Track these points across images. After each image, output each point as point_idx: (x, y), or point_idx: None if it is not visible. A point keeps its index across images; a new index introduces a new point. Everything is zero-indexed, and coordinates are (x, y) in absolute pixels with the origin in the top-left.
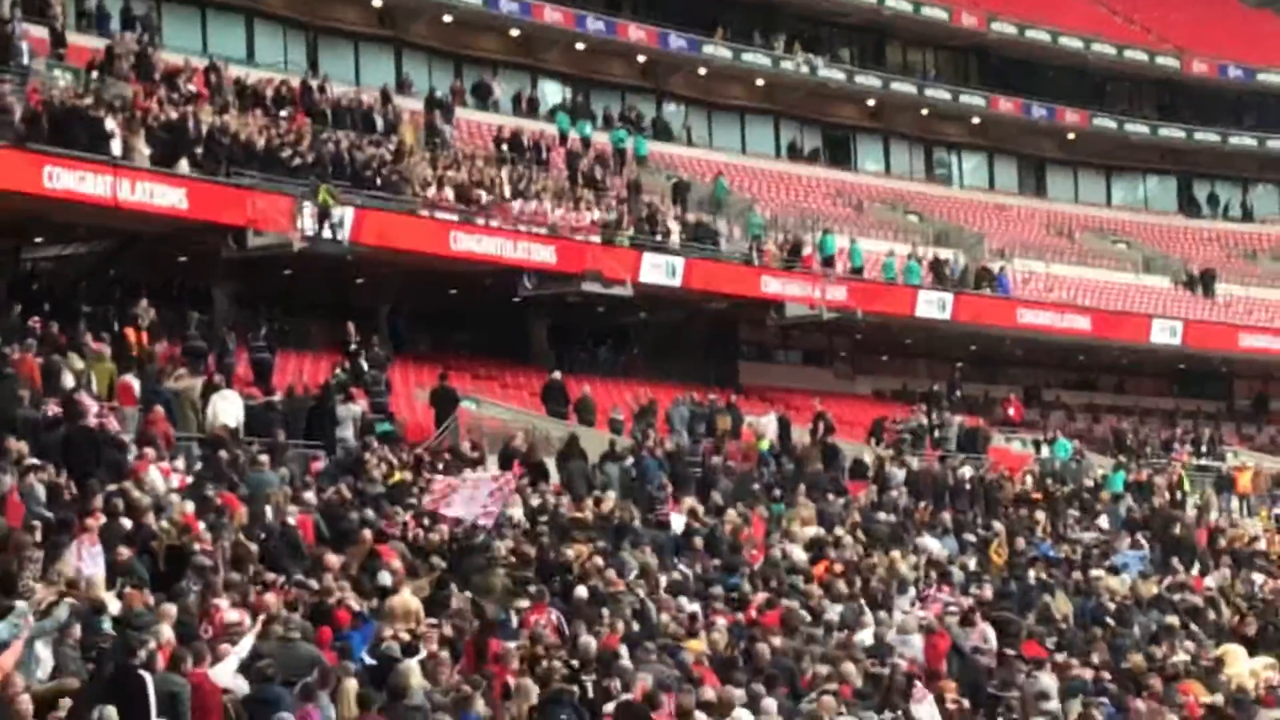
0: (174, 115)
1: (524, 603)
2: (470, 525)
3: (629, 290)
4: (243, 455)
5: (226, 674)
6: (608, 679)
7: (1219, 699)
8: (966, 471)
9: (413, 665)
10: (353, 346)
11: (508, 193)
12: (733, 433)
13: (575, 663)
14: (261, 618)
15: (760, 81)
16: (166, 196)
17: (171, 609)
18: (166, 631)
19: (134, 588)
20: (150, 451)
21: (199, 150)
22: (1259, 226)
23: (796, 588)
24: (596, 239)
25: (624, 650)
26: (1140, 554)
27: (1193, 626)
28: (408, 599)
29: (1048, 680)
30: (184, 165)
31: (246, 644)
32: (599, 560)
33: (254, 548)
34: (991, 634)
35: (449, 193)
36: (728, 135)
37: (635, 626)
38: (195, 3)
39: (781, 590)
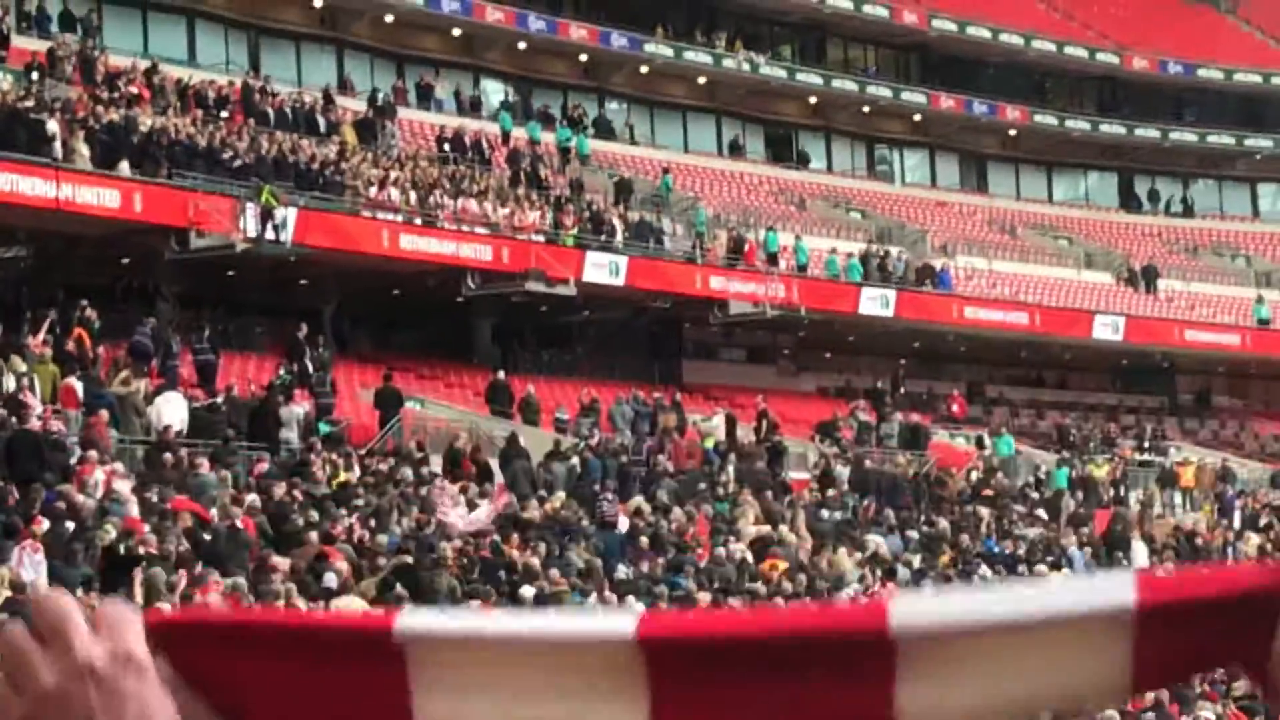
0: (115, 117)
1: (474, 604)
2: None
3: (572, 289)
4: (186, 458)
5: None
6: None
7: (1163, 694)
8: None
9: None
10: (301, 342)
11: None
12: (677, 431)
13: None
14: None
15: (702, 79)
16: (108, 198)
17: None
18: None
19: (79, 591)
20: (94, 454)
21: (141, 152)
22: (1200, 222)
23: (743, 586)
24: (540, 238)
25: None
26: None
27: None
28: (354, 601)
29: None
30: (125, 167)
31: None
32: (543, 560)
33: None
34: None
35: (392, 193)
36: (670, 133)
37: None
38: (136, 4)
39: (727, 588)
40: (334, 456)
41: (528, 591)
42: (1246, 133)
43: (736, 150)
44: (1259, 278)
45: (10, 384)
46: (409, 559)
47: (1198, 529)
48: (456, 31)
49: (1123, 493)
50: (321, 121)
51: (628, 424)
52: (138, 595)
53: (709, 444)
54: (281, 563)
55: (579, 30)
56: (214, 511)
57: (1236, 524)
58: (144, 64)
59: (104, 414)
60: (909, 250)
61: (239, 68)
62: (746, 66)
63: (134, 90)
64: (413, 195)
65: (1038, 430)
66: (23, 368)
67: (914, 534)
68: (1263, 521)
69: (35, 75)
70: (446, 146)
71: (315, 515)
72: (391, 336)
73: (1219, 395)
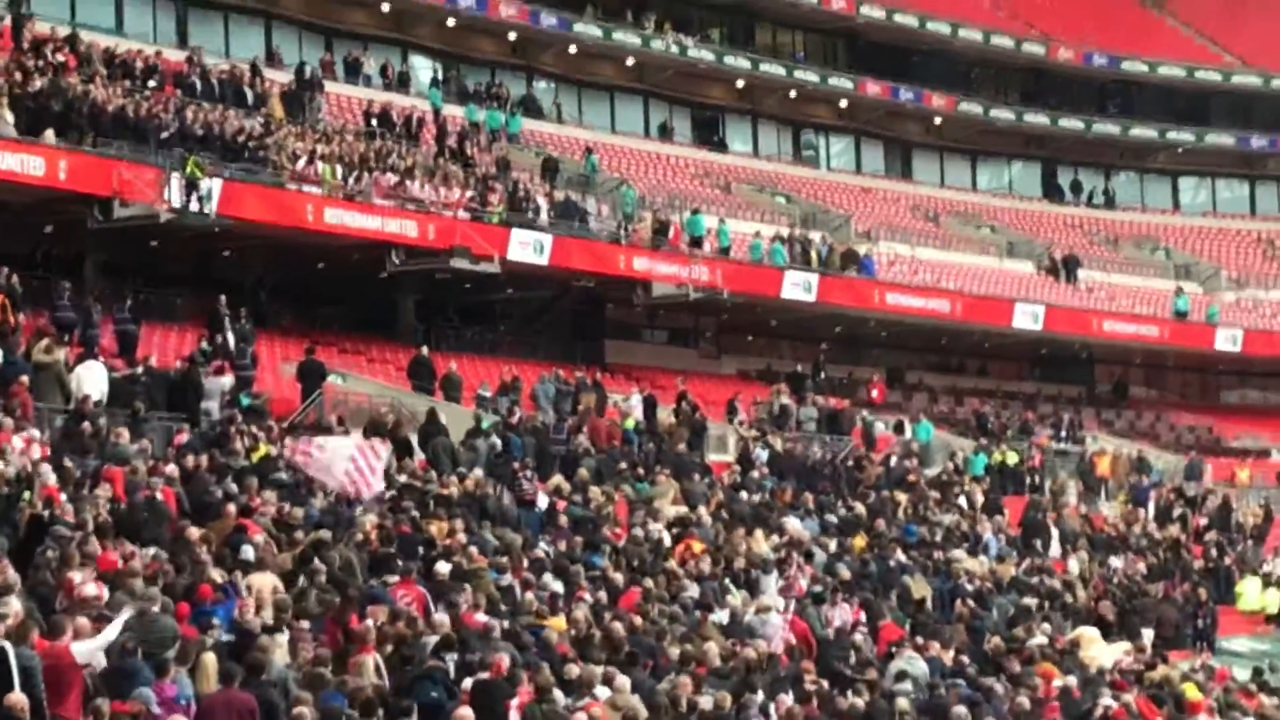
0: (41, 85)
1: (392, 578)
2: (349, 496)
3: (497, 267)
4: (105, 427)
5: (87, 651)
6: (468, 655)
7: (1071, 681)
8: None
9: (273, 641)
10: (222, 314)
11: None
12: (597, 410)
13: (435, 639)
14: (129, 607)
15: (630, 60)
16: (32, 166)
17: (18, 580)
18: (15, 603)
19: None
20: (9, 422)
21: (66, 120)
22: (1121, 213)
23: (658, 567)
24: (465, 215)
25: (484, 627)
26: (998, 536)
27: (1050, 609)
28: (269, 583)
29: (906, 662)
30: (50, 135)
31: (114, 629)
32: (461, 537)
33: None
34: (851, 615)
35: (318, 166)
36: (597, 113)
37: (499, 604)
38: None
39: (644, 569)
40: (254, 429)
41: (443, 567)
42: (1169, 126)
43: (663, 132)
44: (1178, 270)
45: None
46: (326, 534)
47: (1111, 518)
48: (386, 7)
49: (1039, 481)
50: (249, 93)
51: (549, 403)
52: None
53: (629, 424)
54: (196, 534)
55: (508, 8)
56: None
57: (1150, 514)
58: (70, 31)
59: (24, 380)
60: (833, 235)
61: (167, 38)
62: (675, 49)
63: (60, 58)
64: (339, 169)
65: (956, 417)
66: None
67: (831, 518)
68: (1176, 512)
69: None
70: (374, 122)
71: (234, 488)
72: (315, 311)
73: (1136, 386)
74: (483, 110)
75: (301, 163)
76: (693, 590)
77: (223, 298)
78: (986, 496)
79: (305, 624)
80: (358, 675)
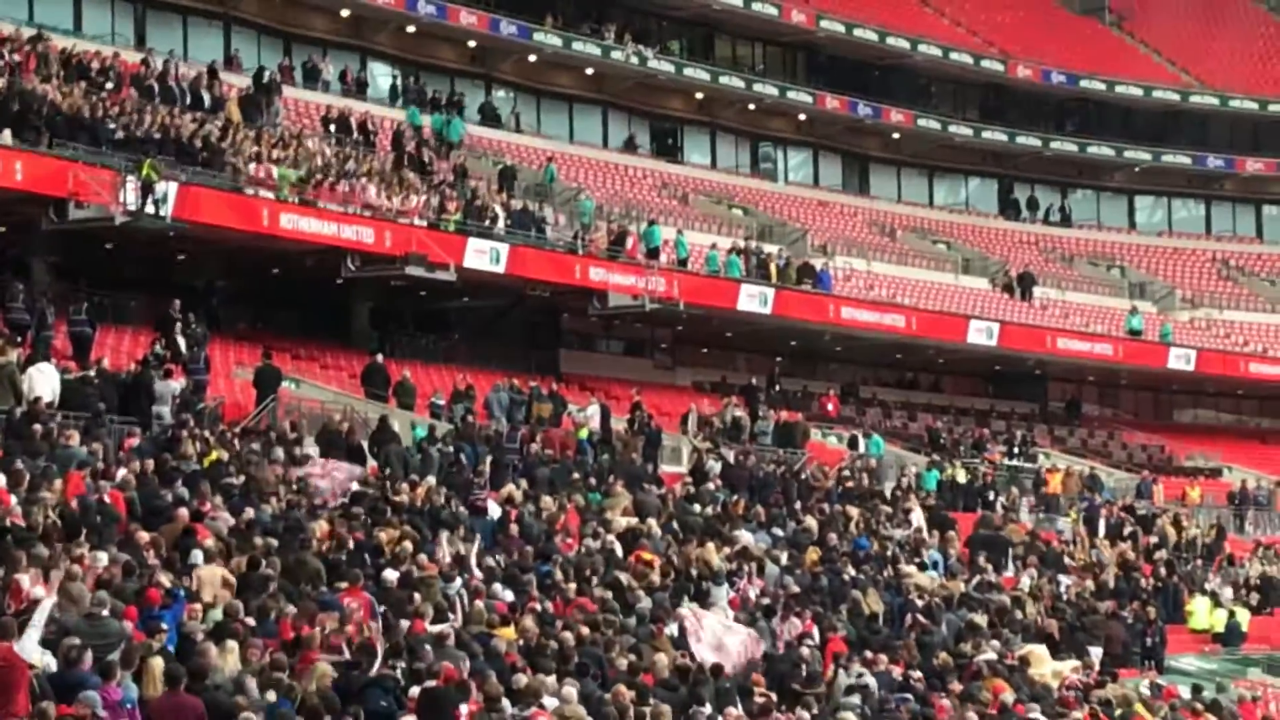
0: None
1: (342, 584)
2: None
3: (452, 275)
4: (56, 429)
5: (30, 648)
6: (416, 663)
7: (1012, 697)
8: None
9: (219, 646)
10: (173, 317)
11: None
12: (552, 420)
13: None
14: (53, 589)
15: (589, 71)
16: None
17: None
18: None
19: None
20: None
21: (21, 120)
22: (1077, 231)
23: (609, 577)
24: (421, 222)
25: (432, 635)
26: (947, 552)
27: (999, 625)
28: (218, 576)
29: (855, 676)
30: (7, 136)
31: (42, 615)
32: (410, 545)
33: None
34: (800, 628)
35: (273, 170)
36: (556, 123)
37: (447, 613)
38: None
39: (594, 579)
40: (205, 433)
41: (391, 575)
42: (1126, 145)
43: (622, 143)
44: (1133, 289)
45: None
46: (275, 540)
47: (1060, 535)
48: (345, 12)
49: (990, 497)
50: (206, 97)
51: (503, 411)
52: None
53: (583, 434)
54: (145, 537)
55: (468, 16)
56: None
57: (1101, 531)
58: (29, 32)
59: None
60: (789, 249)
61: (125, 40)
62: (634, 59)
63: (17, 59)
64: (291, 175)
65: (909, 432)
66: None
67: (781, 531)
68: (1126, 530)
69: None
70: (332, 127)
71: (185, 492)
72: (269, 315)
73: (1089, 404)
74: (426, 115)
75: (256, 167)
76: (645, 602)
77: (176, 301)
78: (938, 512)
79: (252, 623)
80: (309, 680)
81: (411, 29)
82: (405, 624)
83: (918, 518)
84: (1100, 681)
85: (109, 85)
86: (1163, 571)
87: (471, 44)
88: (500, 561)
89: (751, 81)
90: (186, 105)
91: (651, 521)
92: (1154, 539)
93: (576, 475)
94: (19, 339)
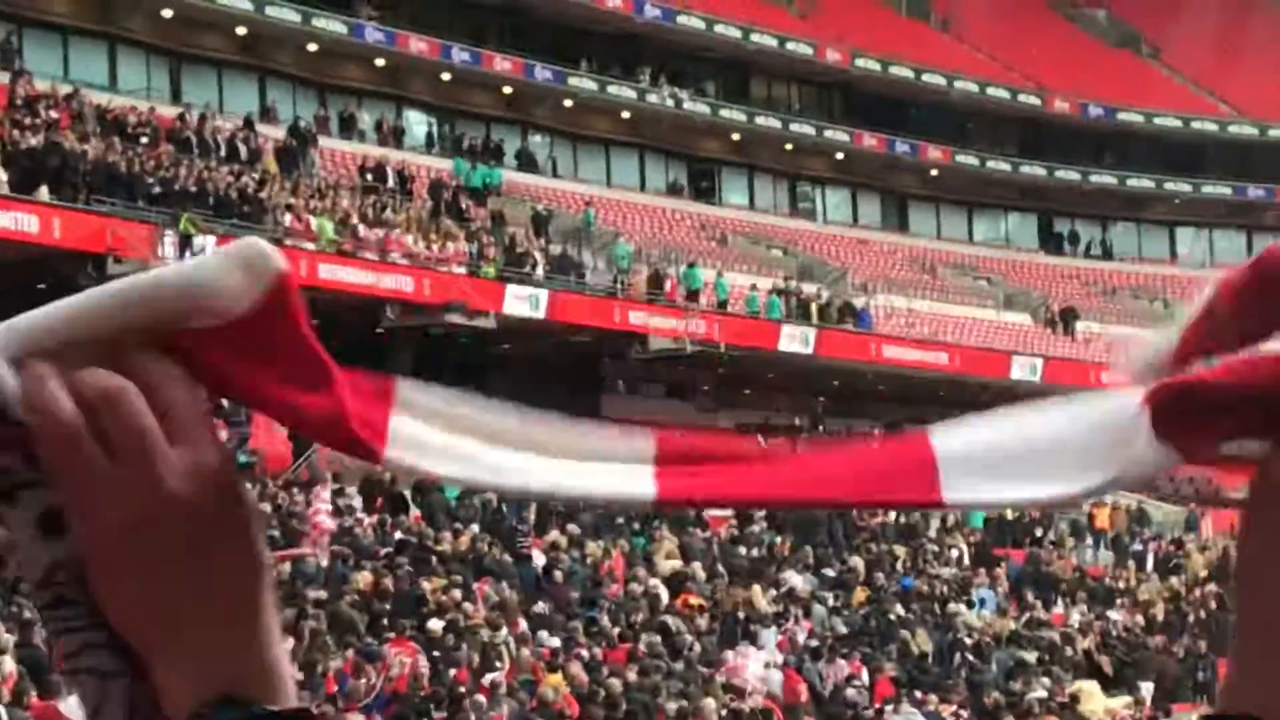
0: (35, 142)
1: (389, 636)
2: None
3: (492, 322)
4: None
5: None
6: (461, 714)
7: None
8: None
9: None
10: None
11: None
12: None
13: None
14: None
15: (625, 114)
16: (26, 223)
17: (9, 641)
18: (9, 664)
19: None
20: None
21: (59, 177)
22: (1118, 264)
23: (656, 622)
24: (461, 270)
25: (481, 685)
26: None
27: (1050, 663)
28: None
29: (905, 716)
30: (44, 192)
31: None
32: (456, 594)
33: None
34: (848, 669)
35: (312, 221)
36: (593, 167)
37: (494, 661)
38: (58, 28)
39: (640, 624)
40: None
41: (436, 625)
42: (1166, 176)
43: (659, 185)
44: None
45: None
46: (322, 591)
47: (1107, 570)
48: (380, 61)
49: (1038, 533)
50: (242, 149)
51: None
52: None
53: None
54: None
55: (503, 63)
56: None
57: (1150, 566)
58: (65, 89)
59: None
60: (829, 288)
61: (160, 94)
62: (670, 102)
63: (54, 115)
64: (330, 225)
65: None
66: None
67: (829, 571)
68: (1174, 564)
69: None
70: (369, 176)
71: None
72: None
73: None
74: (467, 164)
75: (294, 218)
76: (693, 646)
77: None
78: (985, 549)
79: (301, 676)
80: None
81: (446, 76)
82: (452, 673)
83: (960, 554)
84: (1153, 717)
85: (145, 140)
86: (1212, 604)
87: (507, 90)
88: (546, 609)
89: (788, 121)
90: (223, 158)
91: (697, 565)
92: (1203, 572)
93: (620, 520)
94: None
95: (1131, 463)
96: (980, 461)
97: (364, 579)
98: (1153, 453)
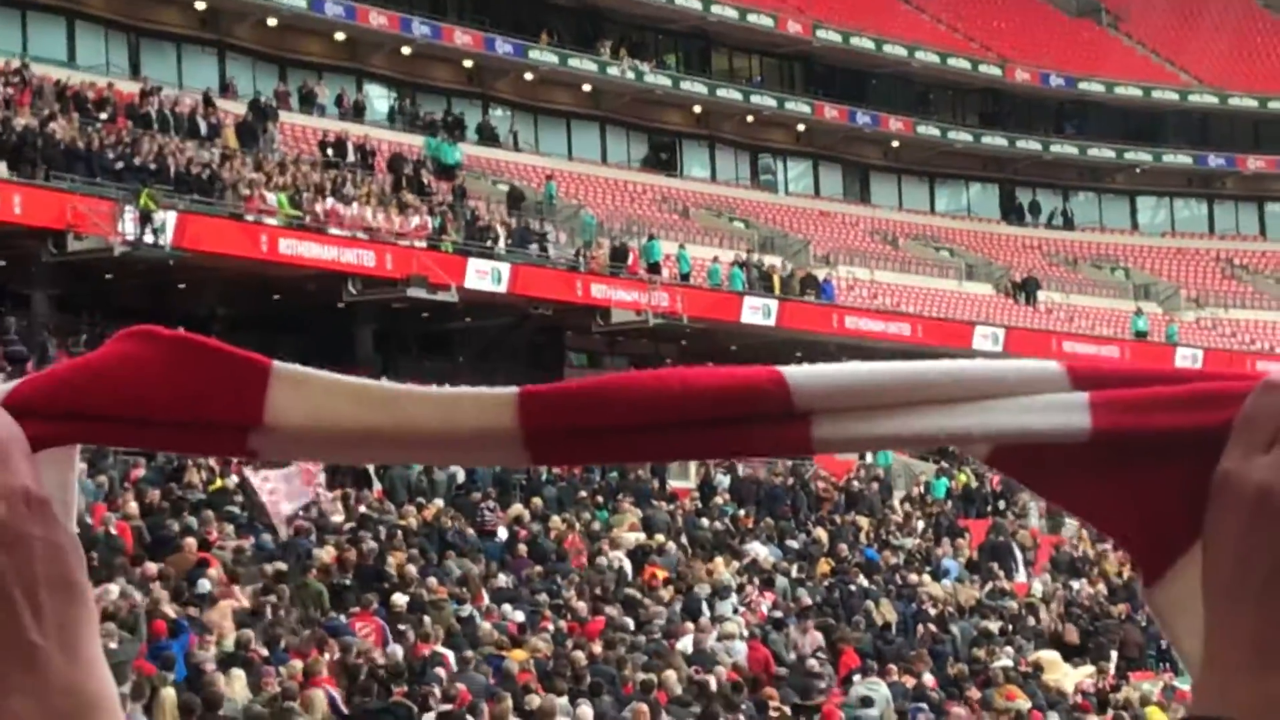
0: None
1: (353, 609)
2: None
3: (454, 296)
4: None
5: None
6: (425, 687)
7: (1027, 704)
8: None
9: (230, 675)
10: None
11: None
12: None
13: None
14: None
15: (586, 87)
16: None
17: None
18: None
19: None
20: None
21: (18, 154)
22: (1079, 234)
23: (619, 595)
24: (422, 244)
25: (444, 658)
26: (959, 560)
27: (1013, 632)
28: (228, 607)
29: (868, 686)
30: (3, 169)
31: None
32: (419, 567)
33: None
34: (814, 640)
35: (270, 196)
36: (554, 141)
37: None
38: (14, 4)
39: (605, 597)
40: (210, 462)
41: (401, 599)
42: (1126, 146)
43: (620, 158)
44: (1137, 290)
45: None
46: (283, 566)
47: (1072, 542)
48: (340, 36)
49: (1000, 504)
50: (202, 124)
51: None
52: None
53: None
54: (154, 569)
55: (463, 36)
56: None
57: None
58: (22, 64)
59: None
60: (791, 260)
61: (119, 70)
62: (631, 75)
63: (11, 91)
64: (288, 200)
65: None
66: None
67: (793, 543)
68: None
69: None
70: (329, 151)
71: (192, 522)
72: (271, 342)
73: None
74: (425, 140)
75: (254, 193)
76: (656, 618)
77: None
78: (947, 520)
79: (265, 652)
80: (309, 711)
81: (407, 50)
82: (415, 646)
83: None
84: (1115, 685)
85: (104, 116)
86: None
87: (467, 64)
88: (510, 582)
89: (749, 93)
90: (183, 134)
91: (661, 537)
92: None
93: (584, 493)
94: (21, 372)
95: (1048, 407)
96: (845, 390)
97: (327, 554)
98: (1074, 403)
